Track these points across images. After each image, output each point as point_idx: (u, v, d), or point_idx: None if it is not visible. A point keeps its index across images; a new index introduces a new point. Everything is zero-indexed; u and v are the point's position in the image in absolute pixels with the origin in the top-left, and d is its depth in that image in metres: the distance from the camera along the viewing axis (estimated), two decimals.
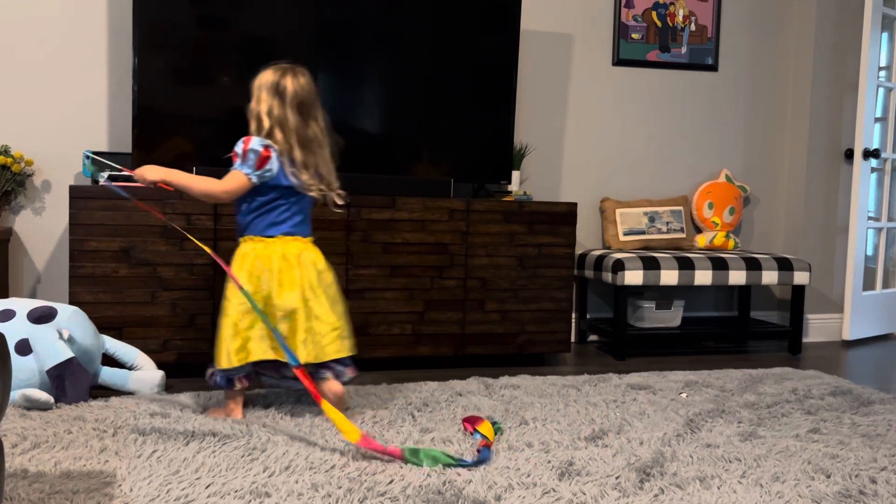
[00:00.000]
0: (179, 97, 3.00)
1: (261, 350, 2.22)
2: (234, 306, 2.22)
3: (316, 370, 2.29)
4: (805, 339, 4.06)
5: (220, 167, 2.55)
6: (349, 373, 2.34)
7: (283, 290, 2.21)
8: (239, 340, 2.21)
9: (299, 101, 2.25)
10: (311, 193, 2.28)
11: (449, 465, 1.87)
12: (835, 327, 4.17)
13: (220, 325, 2.25)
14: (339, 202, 2.35)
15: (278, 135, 2.23)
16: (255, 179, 2.20)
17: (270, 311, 2.22)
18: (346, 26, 3.17)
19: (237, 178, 2.20)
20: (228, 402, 2.30)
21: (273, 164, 2.21)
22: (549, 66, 3.81)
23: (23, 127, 3.15)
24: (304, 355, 2.21)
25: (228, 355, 2.20)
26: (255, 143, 2.20)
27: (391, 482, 1.75)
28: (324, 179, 2.29)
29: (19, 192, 3.14)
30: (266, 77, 2.27)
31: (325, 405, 2.02)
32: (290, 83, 2.25)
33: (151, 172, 2.22)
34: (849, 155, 4.08)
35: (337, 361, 2.30)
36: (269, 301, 2.21)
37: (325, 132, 2.30)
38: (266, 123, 2.23)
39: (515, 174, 3.50)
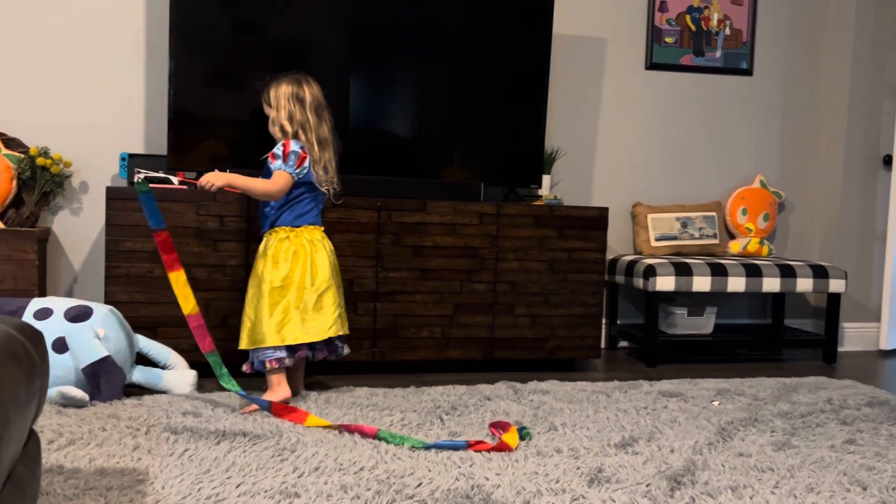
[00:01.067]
0: (214, 101, 3.04)
1: (324, 329, 2.50)
2: (290, 288, 2.47)
3: (324, 344, 2.58)
4: (840, 349, 3.99)
5: (254, 168, 2.61)
6: (347, 348, 2.66)
7: (318, 269, 2.51)
8: (300, 318, 2.47)
9: (316, 106, 2.58)
10: (323, 188, 2.58)
11: (426, 447, 2.02)
12: (871, 336, 4.09)
13: (269, 307, 2.46)
14: (335, 201, 2.73)
15: (301, 137, 2.54)
16: (296, 177, 2.50)
17: (303, 291, 2.48)
18: (378, 30, 3.19)
19: (284, 178, 2.48)
20: (273, 382, 2.47)
21: (307, 164, 2.52)
22: (581, 70, 3.79)
23: (62, 129, 3.21)
24: (339, 328, 2.53)
25: (305, 332, 2.47)
26: (294, 145, 2.50)
27: (419, 485, 1.76)
28: (329, 174, 2.59)
29: (58, 192, 3.20)
30: (284, 88, 2.57)
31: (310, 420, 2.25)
32: (307, 91, 2.56)
33: (218, 179, 2.45)
34: (887, 161, 4.01)
35: (338, 337, 2.61)
36: (303, 282, 2.48)
37: (332, 132, 2.62)
38: (289, 128, 2.54)
39: (546, 178, 3.49)
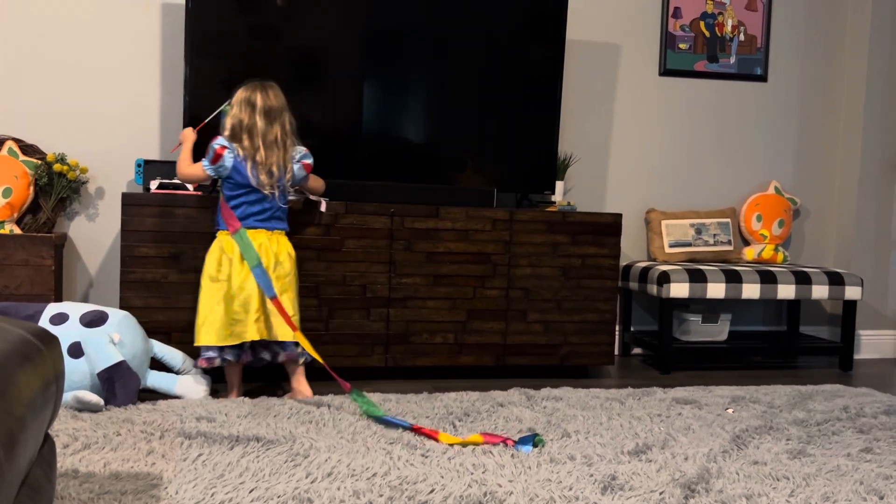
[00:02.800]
0: None
1: (254, 331, 2.54)
2: (218, 290, 2.56)
3: (269, 347, 2.65)
4: (857, 356, 3.95)
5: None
6: (282, 355, 2.65)
7: (241, 274, 2.54)
8: (230, 321, 2.55)
9: (267, 110, 2.58)
10: (265, 191, 2.58)
11: (377, 419, 2.31)
12: (888, 344, 4.05)
13: (202, 307, 2.59)
14: (323, 208, 2.80)
15: (245, 140, 2.57)
16: (210, 172, 2.59)
17: (229, 291, 2.54)
18: (392, 36, 3.20)
19: (195, 168, 2.63)
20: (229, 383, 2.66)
21: (226, 162, 2.55)
22: (594, 76, 3.79)
23: (78, 136, 3.24)
24: (255, 332, 2.53)
25: (218, 334, 2.54)
26: (216, 141, 2.58)
27: (432, 491, 1.75)
28: (273, 178, 2.57)
29: (74, 198, 3.22)
30: (239, 93, 2.61)
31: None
32: (259, 96, 2.59)
33: (184, 134, 2.73)
34: None
35: (293, 344, 2.63)
36: (230, 283, 2.55)
37: (288, 136, 2.62)
38: (227, 130, 2.59)
39: (559, 184, 3.48)
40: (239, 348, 2.61)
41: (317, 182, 2.82)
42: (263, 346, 2.64)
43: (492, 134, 3.34)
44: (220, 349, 2.58)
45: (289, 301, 2.60)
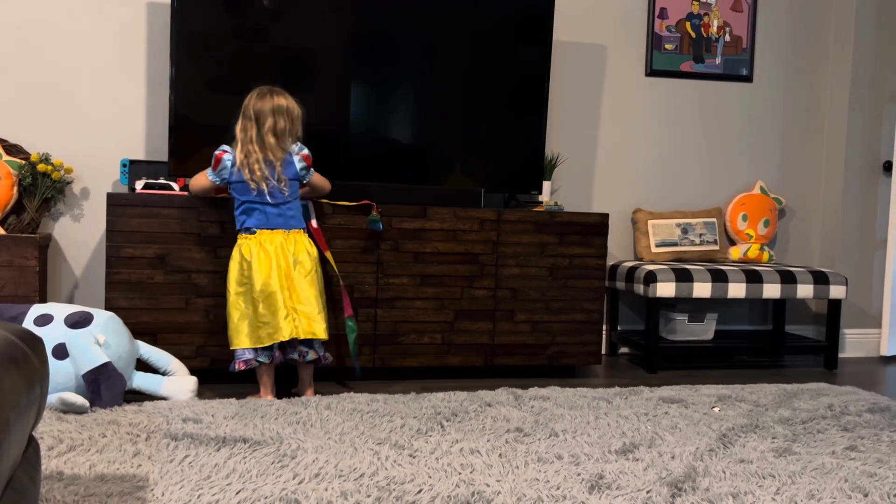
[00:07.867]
0: (215, 107, 3.04)
1: (287, 330, 2.58)
2: (244, 294, 2.60)
3: (297, 347, 2.67)
4: (841, 355, 3.98)
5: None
6: (312, 354, 2.69)
7: (261, 275, 2.57)
8: (246, 323, 2.60)
9: (249, 112, 2.61)
10: (254, 189, 2.58)
11: None
12: (872, 343, 4.09)
13: (230, 310, 2.63)
14: (271, 200, 2.63)
15: (238, 144, 2.61)
16: (213, 178, 2.64)
17: (253, 294, 2.57)
18: (380, 38, 3.19)
19: (200, 178, 2.68)
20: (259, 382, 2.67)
21: (226, 166, 2.61)
22: (581, 77, 3.80)
23: (63, 135, 3.22)
24: (287, 332, 2.56)
25: (251, 336, 2.60)
26: (219, 149, 2.63)
27: (420, 492, 1.75)
28: (261, 173, 2.58)
29: (59, 199, 3.20)
30: (245, 100, 2.65)
31: None
32: (249, 100, 2.62)
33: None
34: (887, 167, 4.01)
35: (321, 343, 2.71)
36: (252, 286, 2.57)
37: (283, 133, 2.61)
38: (237, 137, 2.64)
39: (546, 184, 3.49)
40: (270, 349, 2.63)
41: (321, 180, 2.82)
42: (292, 347, 2.66)
43: (479, 134, 3.34)
44: (255, 351, 2.60)
45: (314, 299, 2.62)
